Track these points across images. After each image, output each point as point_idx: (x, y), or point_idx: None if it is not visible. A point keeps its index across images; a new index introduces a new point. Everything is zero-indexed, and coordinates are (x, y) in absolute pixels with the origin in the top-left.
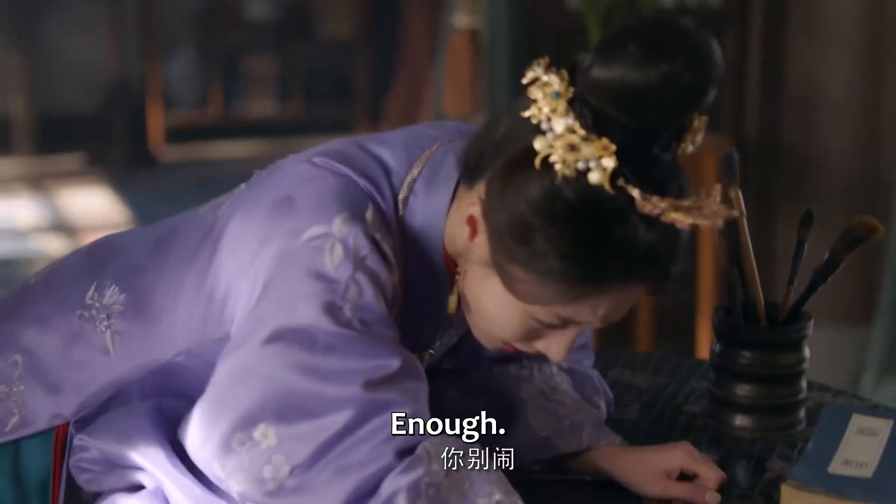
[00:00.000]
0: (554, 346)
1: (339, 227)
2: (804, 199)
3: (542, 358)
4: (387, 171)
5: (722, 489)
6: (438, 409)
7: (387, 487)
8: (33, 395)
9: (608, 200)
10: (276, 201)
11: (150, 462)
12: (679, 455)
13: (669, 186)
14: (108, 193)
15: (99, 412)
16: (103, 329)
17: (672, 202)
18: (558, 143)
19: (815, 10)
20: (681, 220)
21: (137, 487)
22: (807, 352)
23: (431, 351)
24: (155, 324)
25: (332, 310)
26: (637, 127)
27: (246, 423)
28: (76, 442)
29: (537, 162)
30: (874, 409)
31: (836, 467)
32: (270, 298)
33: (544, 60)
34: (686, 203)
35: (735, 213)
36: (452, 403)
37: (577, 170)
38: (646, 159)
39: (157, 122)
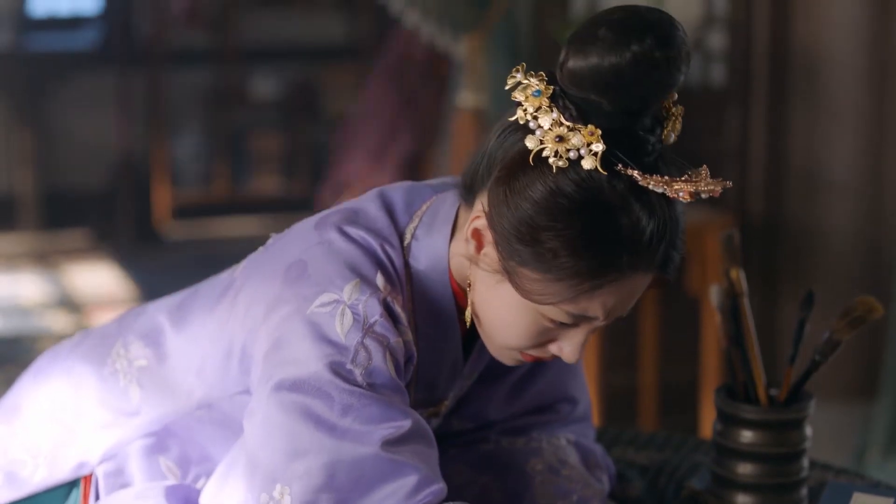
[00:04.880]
0: (567, 348)
1: (350, 294)
2: (807, 278)
3: (549, 430)
4: (395, 222)
5: None
6: (446, 482)
7: None
8: (59, 446)
9: (608, 191)
10: (289, 266)
11: None
12: None
13: (660, 167)
14: (114, 270)
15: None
16: (128, 382)
17: (670, 178)
18: (547, 138)
19: (818, 90)
20: (685, 189)
21: None
22: (808, 431)
23: (447, 402)
24: (173, 373)
25: (341, 371)
26: (620, 110)
27: (267, 483)
28: None
29: (531, 159)
30: (875, 488)
31: None
32: (283, 357)
33: (523, 66)
34: (683, 178)
35: (728, 183)
36: (459, 477)
37: (569, 160)
38: (634, 143)
39: (163, 199)
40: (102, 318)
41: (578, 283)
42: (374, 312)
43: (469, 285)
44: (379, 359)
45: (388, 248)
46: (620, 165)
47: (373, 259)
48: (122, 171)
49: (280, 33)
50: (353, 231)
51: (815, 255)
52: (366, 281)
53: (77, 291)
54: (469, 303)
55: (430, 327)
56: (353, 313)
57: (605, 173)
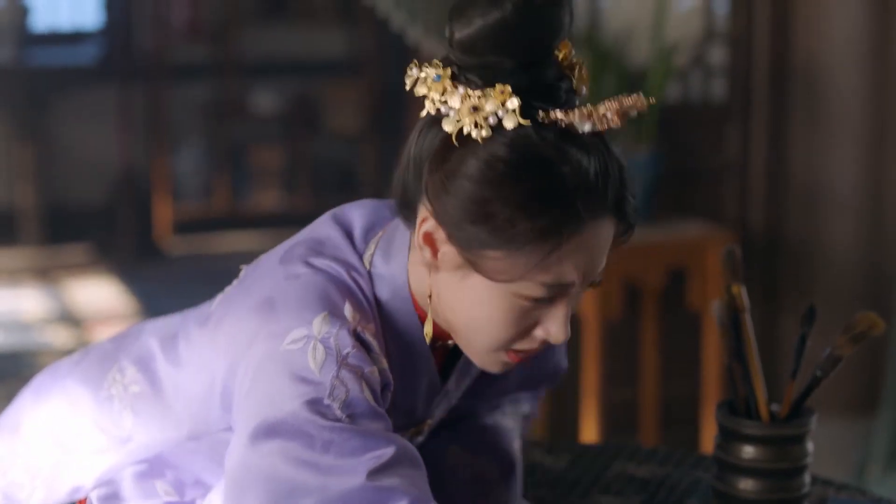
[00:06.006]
0: (553, 327)
1: (319, 328)
2: (808, 293)
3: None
4: (355, 248)
5: None
6: (441, 463)
7: None
8: (58, 469)
9: (539, 143)
10: (259, 303)
11: None
12: None
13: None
14: (115, 285)
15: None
16: (122, 407)
17: (592, 106)
18: (462, 113)
19: (820, 105)
20: (610, 108)
21: None
22: (810, 446)
23: (430, 421)
24: (165, 401)
25: (319, 408)
26: (519, 63)
27: None
28: None
29: (454, 139)
30: (877, 503)
31: None
32: (259, 399)
33: (414, 61)
34: (604, 104)
35: (652, 99)
36: (454, 458)
37: (491, 126)
38: (546, 93)
39: (164, 213)
40: (103, 333)
41: (541, 244)
42: (346, 344)
43: (430, 297)
44: (356, 389)
45: (355, 275)
46: (541, 113)
47: (341, 289)
48: (123, 185)
49: (280, 48)
50: (320, 262)
51: (816, 271)
52: (334, 313)
53: (78, 306)
54: (429, 315)
55: (400, 355)
56: (325, 347)
57: (530, 123)
